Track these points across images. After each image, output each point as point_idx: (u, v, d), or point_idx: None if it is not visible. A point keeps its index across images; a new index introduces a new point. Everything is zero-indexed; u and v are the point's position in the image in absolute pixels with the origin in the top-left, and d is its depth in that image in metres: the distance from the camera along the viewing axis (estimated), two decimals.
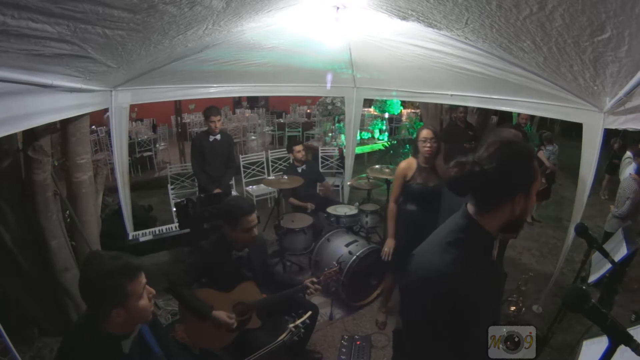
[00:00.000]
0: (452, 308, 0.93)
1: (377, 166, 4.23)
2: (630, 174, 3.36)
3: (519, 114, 5.64)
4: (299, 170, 4.04)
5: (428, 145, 2.47)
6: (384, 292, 3.01)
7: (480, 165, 0.94)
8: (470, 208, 1.01)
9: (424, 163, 2.56)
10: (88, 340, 1.14)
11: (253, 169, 5.16)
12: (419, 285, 0.99)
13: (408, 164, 2.61)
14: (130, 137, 6.24)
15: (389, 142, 6.88)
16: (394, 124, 9.65)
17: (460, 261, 0.94)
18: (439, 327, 0.96)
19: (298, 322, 1.89)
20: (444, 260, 0.96)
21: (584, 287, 0.98)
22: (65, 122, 2.47)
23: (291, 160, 4.15)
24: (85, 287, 1.15)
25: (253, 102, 13.63)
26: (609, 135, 4.68)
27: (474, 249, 0.98)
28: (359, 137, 6.97)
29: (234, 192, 4.23)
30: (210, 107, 3.67)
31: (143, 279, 1.20)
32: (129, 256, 1.20)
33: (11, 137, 2.20)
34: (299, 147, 4.02)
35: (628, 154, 3.92)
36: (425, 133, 2.50)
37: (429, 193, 2.55)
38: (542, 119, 9.97)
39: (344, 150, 5.24)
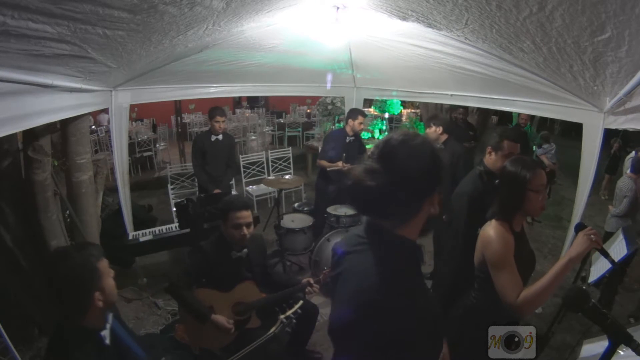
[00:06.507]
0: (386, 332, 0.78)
1: None
2: (626, 172, 3.38)
3: (519, 114, 5.65)
4: (347, 140, 3.73)
5: (542, 199, 1.48)
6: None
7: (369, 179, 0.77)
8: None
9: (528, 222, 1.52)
10: (72, 339, 1.16)
11: (253, 169, 5.16)
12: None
13: (505, 238, 1.40)
14: (130, 137, 6.25)
15: None
16: (394, 124, 9.64)
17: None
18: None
19: (289, 312, 1.87)
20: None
21: (584, 287, 0.98)
22: (65, 122, 2.47)
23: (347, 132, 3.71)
24: (64, 283, 1.16)
25: (253, 102, 13.63)
26: (609, 135, 4.69)
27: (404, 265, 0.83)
28: None
29: (234, 192, 4.23)
30: (216, 108, 3.65)
31: (104, 258, 1.28)
32: (85, 241, 1.24)
33: (11, 137, 2.20)
34: (362, 119, 3.65)
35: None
36: (543, 177, 1.48)
37: None
38: (542, 119, 9.98)
39: None
